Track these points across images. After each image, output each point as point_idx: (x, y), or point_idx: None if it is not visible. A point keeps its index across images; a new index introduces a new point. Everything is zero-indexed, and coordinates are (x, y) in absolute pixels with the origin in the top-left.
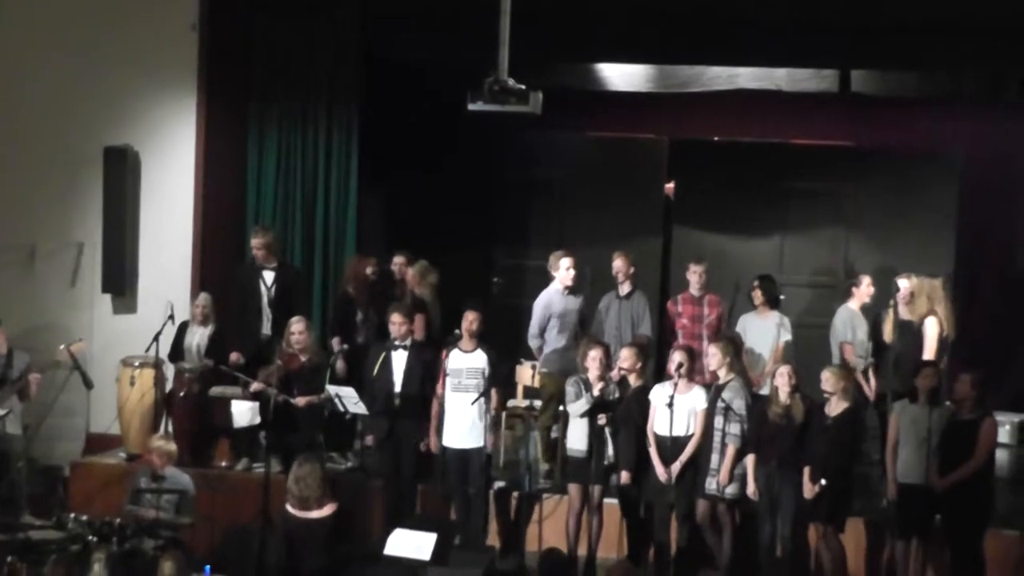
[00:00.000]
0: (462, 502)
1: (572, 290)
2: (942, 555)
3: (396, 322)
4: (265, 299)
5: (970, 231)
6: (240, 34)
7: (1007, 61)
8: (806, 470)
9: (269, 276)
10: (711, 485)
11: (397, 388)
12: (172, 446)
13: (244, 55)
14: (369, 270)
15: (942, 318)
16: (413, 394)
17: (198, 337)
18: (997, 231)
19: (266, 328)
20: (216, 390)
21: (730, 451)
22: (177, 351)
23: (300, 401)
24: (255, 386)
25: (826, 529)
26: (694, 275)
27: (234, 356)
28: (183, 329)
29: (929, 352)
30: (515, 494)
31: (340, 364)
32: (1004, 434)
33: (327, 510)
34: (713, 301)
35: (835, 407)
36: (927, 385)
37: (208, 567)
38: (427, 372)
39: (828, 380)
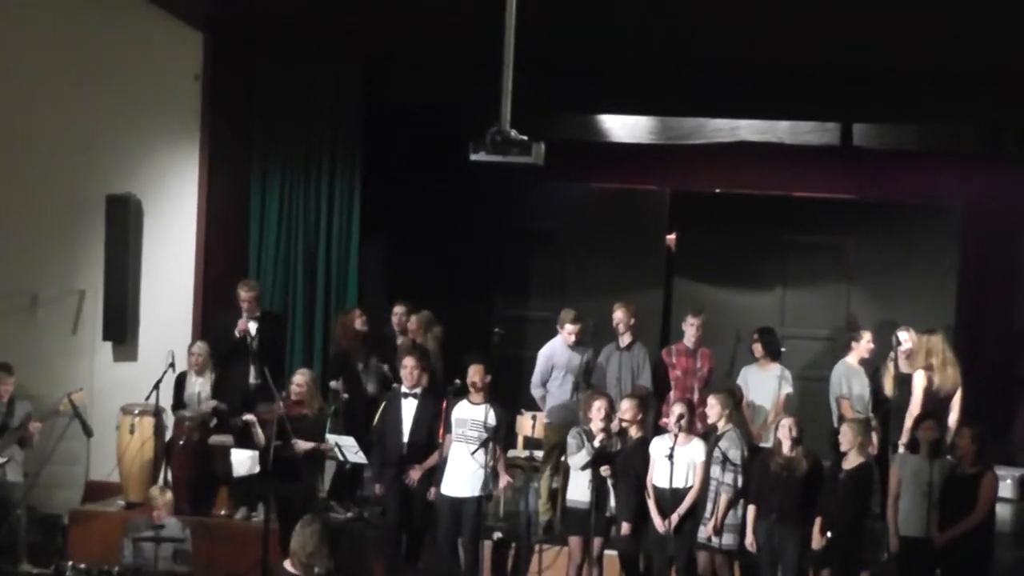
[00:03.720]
0: (452, 551)
1: (577, 343)
2: None
3: (409, 366)
4: (251, 349)
5: (971, 284)
6: (242, 84)
7: (1005, 114)
8: (817, 521)
9: (253, 326)
10: (703, 534)
11: (406, 437)
12: (168, 495)
13: (246, 105)
14: (358, 322)
15: (934, 372)
16: (422, 442)
17: (198, 386)
18: (997, 284)
19: (252, 377)
20: (216, 439)
21: (723, 500)
22: (179, 400)
23: (302, 446)
24: (247, 417)
25: None
26: (691, 327)
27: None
28: (182, 379)
29: (915, 405)
30: (513, 545)
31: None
32: (1005, 488)
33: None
34: (706, 354)
35: (851, 461)
36: (928, 437)
37: None
38: (434, 420)
39: (846, 435)
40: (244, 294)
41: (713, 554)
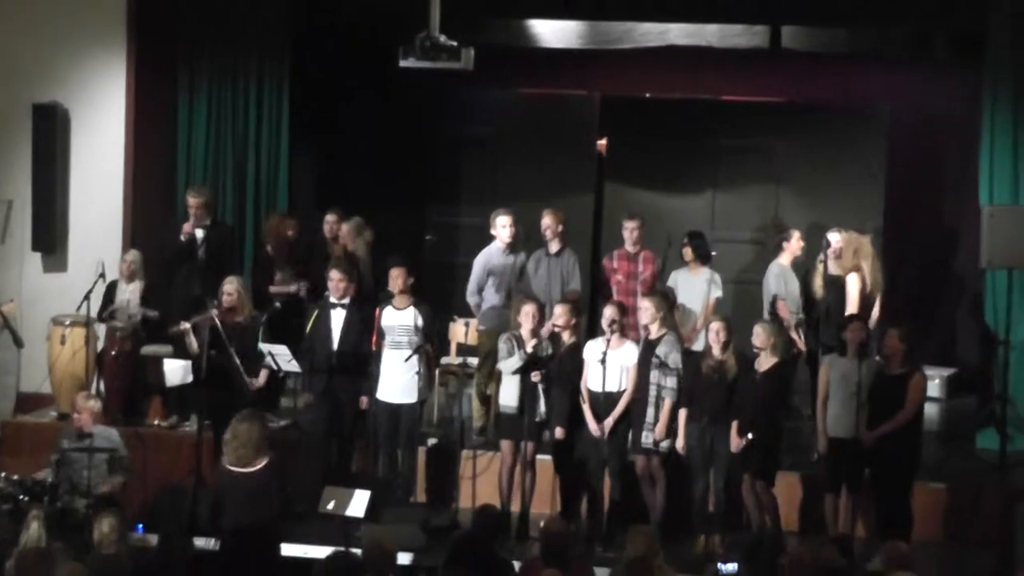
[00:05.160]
0: (390, 458)
1: (511, 248)
2: (871, 507)
3: (335, 279)
4: (197, 257)
5: (898, 186)
6: None
7: (934, 18)
8: (734, 424)
9: (200, 233)
10: (647, 439)
11: (335, 346)
12: (97, 403)
13: (174, 12)
14: (290, 231)
15: (865, 274)
16: (351, 352)
17: (128, 294)
18: (924, 186)
19: (197, 288)
20: (149, 348)
21: (667, 405)
22: (106, 308)
23: (254, 383)
24: (183, 326)
25: (756, 483)
26: (628, 231)
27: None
28: (112, 288)
29: (851, 307)
30: (445, 450)
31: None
32: (933, 388)
33: (260, 464)
34: (648, 257)
35: (765, 362)
36: (855, 339)
37: (141, 525)
38: (364, 329)
39: (759, 335)
40: (192, 200)
41: (650, 457)
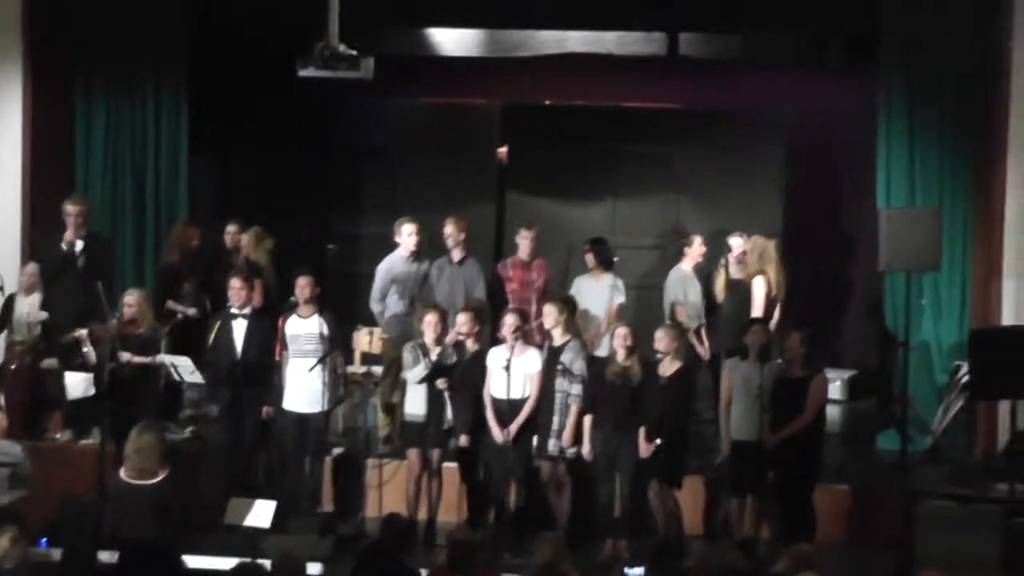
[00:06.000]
0: (297, 468)
1: (415, 256)
2: (775, 510)
3: (235, 287)
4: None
5: (797, 192)
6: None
7: (828, 24)
8: (642, 430)
9: (80, 243)
10: (553, 447)
11: (238, 356)
12: (3, 418)
13: (68, 23)
14: (194, 240)
15: (770, 278)
16: (254, 361)
17: (26, 306)
18: (823, 190)
19: (79, 298)
20: (48, 362)
21: (573, 411)
22: (5, 323)
23: (127, 356)
24: (78, 332)
25: (662, 487)
26: (524, 240)
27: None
28: (11, 301)
29: (757, 311)
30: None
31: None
32: (834, 390)
33: (160, 476)
34: (541, 265)
35: (668, 367)
36: (757, 342)
37: (44, 540)
38: (266, 339)
39: (661, 340)
40: (71, 208)
41: (556, 464)
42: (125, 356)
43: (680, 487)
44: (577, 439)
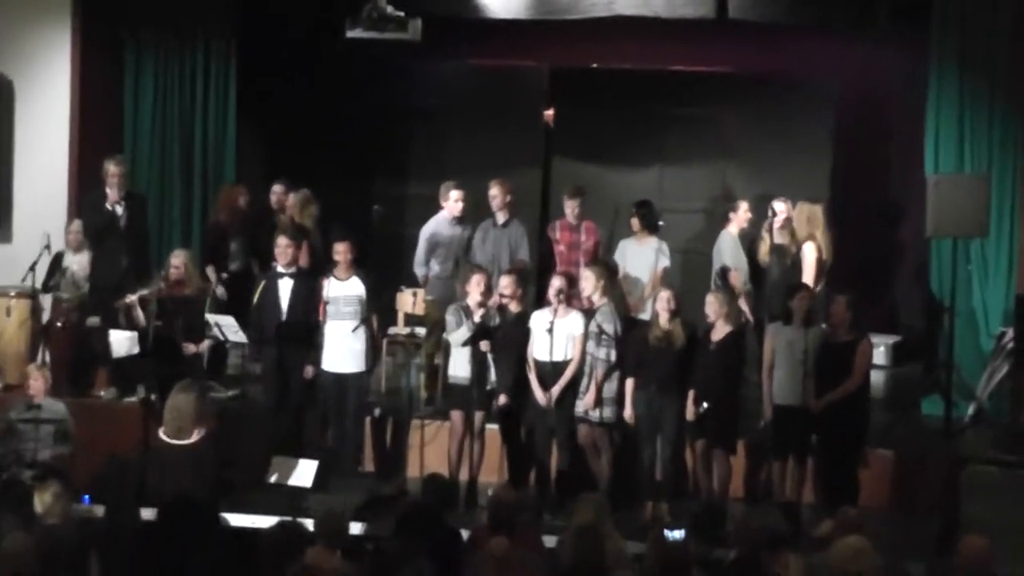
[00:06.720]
0: (338, 428)
1: (458, 220)
2: (818, 475)
3: (282, 245)
4: (120, 227)
5: (845, 157)
6: None
7: None
8: (690, 394)
9: (120, 206)
10: (579, 408)
11: (283, 316)
12: (45, 373)
13: None
14: (242, 199)
15: (820, 243)
16: (299, 321)
17: (75, 264)
18: (870, 156)
19: (124, 259)
20: (94, 319)
21: (598, 374)
22: (51, 278)
23: (190, 348)
24: (129, 299)
25: (713, 451)
26: (569, 207)
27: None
28: (59, 258)
29: (808, 277)
30: (391, 420)
31: (221, 291)
32: (879, 355)
33: (196, 436)
34: (590, 228)
35: (719, 331)
36: (801, 307)
37: (87, 496)
38: (312, 299)
39: (711, 305)
40: (112, 168)
41: (592, 426)
42: (189, 348)
43: (734, 451)
44: (600, 401)
